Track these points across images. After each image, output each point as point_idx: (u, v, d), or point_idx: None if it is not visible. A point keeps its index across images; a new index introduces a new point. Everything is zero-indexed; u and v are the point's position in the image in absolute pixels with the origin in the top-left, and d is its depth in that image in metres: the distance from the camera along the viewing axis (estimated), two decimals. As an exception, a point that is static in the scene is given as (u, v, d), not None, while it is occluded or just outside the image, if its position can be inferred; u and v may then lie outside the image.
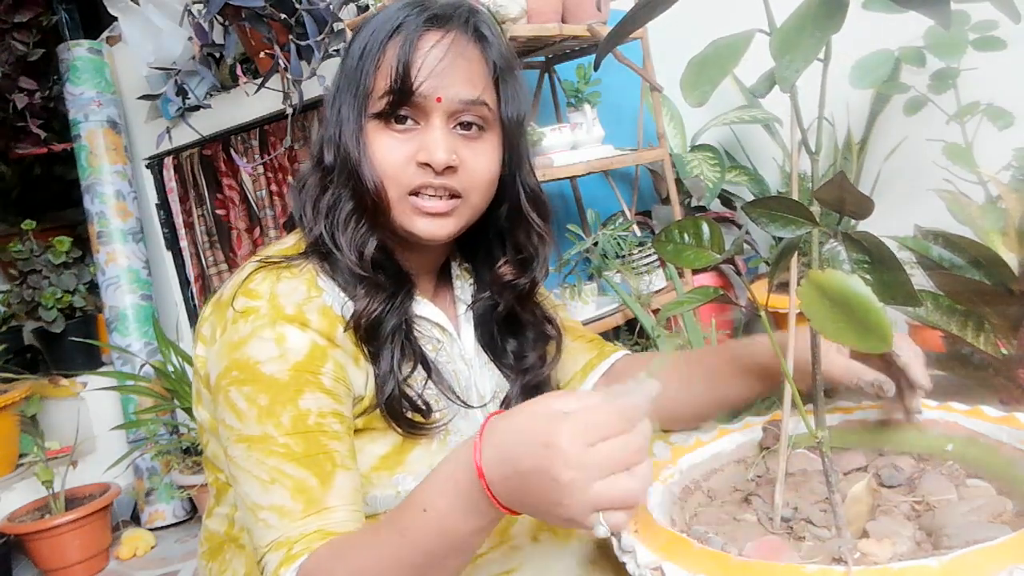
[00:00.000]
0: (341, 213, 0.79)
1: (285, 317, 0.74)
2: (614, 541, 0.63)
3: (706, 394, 0.91)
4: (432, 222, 0.80)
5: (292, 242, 0.84)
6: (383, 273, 0.80)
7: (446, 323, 0.87)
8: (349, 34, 1.42)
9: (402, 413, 0.79)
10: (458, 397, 0.84)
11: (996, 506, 0.60)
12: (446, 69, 0.77)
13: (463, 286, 0.93)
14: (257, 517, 0.71)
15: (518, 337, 0.93)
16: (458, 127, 0.79)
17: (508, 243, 0.89)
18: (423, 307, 0.86)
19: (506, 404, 0.91)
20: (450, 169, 0.78)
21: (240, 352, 0.73)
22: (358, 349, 0.78)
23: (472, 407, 0.87)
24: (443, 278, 0.93)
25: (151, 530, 2.39)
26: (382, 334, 0.78)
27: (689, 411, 0.91)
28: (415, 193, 0.79)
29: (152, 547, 2.30)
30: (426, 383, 0.82)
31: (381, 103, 0.77)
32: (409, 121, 0.78)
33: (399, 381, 0.78)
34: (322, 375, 0.74)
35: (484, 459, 0.58)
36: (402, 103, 0.77)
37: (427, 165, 0.77)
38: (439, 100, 0.77)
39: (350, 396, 0.77)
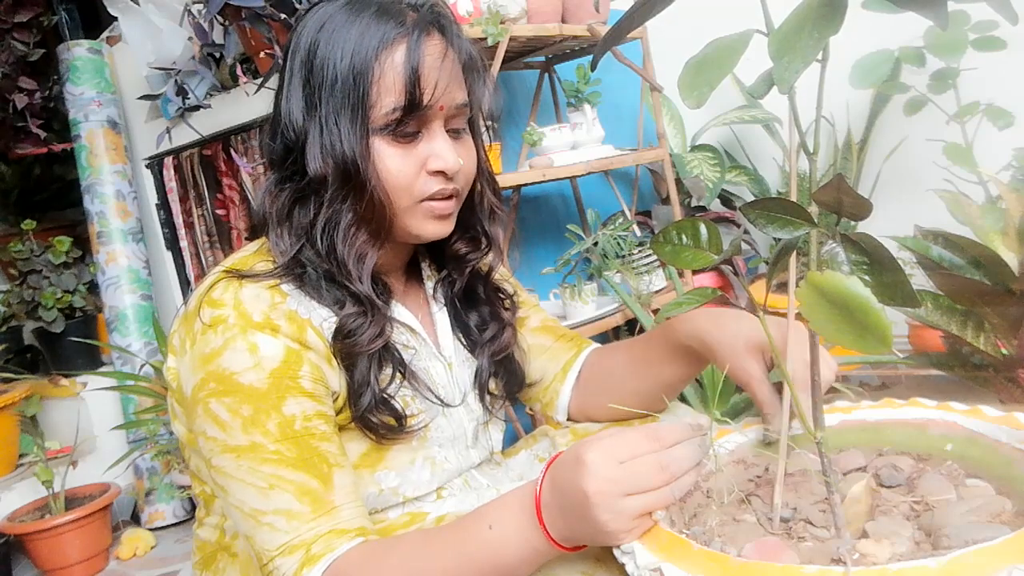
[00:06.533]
0: (338, 227, 0.78)
1: (255, 325, 0.73)
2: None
3: (648, 380, 0.93)
4: (438, 223, 0.82)
5: (254, 249, 0.83)
6: (374, 287, 0.80)
7: (416, 325, 0.88)
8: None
9: (375, 424, 0.79)
10: (436, 396, 0.85)
11: (995, 506, 0.60)
12: (448, 78, 0.78)
13: (435, 286, 0.94)
14: (260, 522, 0.71)
15: (478, 310, 0.94)
16: (450, 130, 0.81)
17: (462, 223, 0.90)
18: (395, 309, 0.86)
19: (479, 378, 0.92)
20: (457, 172, 0.80)
21: (215, 364, 0.73)
22: (329, 351, 0.78)
23: (451, 405, 0.87)
24: (412, 277, 0.94)
25: (151, 530, 2.39)
26: (364, 346, 0.78)
27: (635, 399, 0.92)
28: (425, 199, 0.80)
29: (152, 547, 2.30)
30: (401, 384, 0.82)
31: (389, 118, 0.76)
32: (413, 132, 0.79)
33: (375, 392, 0.78)
34: (300, 379, 0.74)
35: (543, 485, 0.65)
36: (413, 117, 0.77)
37: (440, 172, 0.79)
38: (442, 108, 0.78)
39: (330, 394, 0.77)
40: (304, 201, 0.79)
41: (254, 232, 0.86)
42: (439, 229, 0.82)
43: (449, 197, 0.81)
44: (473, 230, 0.90)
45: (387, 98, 0.75)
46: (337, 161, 0.76)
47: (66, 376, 2.53)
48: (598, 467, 0.60)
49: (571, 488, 0.61)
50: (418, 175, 0.79)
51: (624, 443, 0.61)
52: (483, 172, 0.89)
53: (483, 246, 0.91)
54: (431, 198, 0.80)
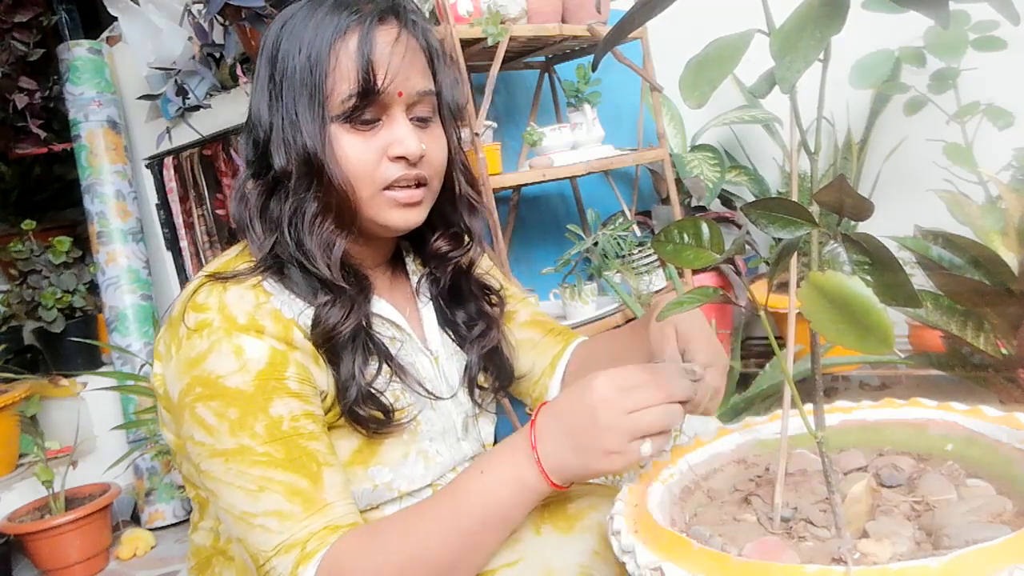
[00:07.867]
0: (304, 218, 0.78)
1: (239, 327, 0.73)
2: (614, 541, 0.63)
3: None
4: (405, 212, 0.82)
5: (235, 252, 0.83)
6: (345, 276, 0.80)
7: (401, 321, 0.88)
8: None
9: (364, 417, 0.79)
10: (425, 390, 0.85)
11: (996, 506, 0.60)
12: (402, 63, 0.78)
13: (419, 281, 0.94)
14: (252, 524, 0.71)
15: (465, 307, 0.95)
16: (414, 118, 0.81)
17: (444, 220, 0.91)
18: (377, 304, 0.86)
19: (468, 372, 0.93)
20: (420, 159, 0.80)
21: (200, 368, 0.73)
22: (316, 350, 0.78)
23: (441, 398, 0.88)
24: (397, 272, 0.94)
25: (151, 530, 2.39)
26: (344, 339, 0.78)
27: None
28: (389, 187, 0.80)
29: (152, 547, 2.30)
30: (391, 378, 0.82)
31: (345, 105, 0.77)
32: (372, 119, 0.79)
33: (361, 387, 0.78)
34: (287, 379, 0.74)
35: (538, 424, 0.70)
36: (369, 103, 0.77)
37: (402, 158, 0.79)
38: (401, 94, 0.79)
39: (317, 394, 0.77)
40: (274, 195, 0.81)
41: (231, 236, 0.86)
42: (406, 218, 0.82)
43: (418, 186, 0.81)
44: (455, 226, 0.91)
45: (342, 85, 0.77)
46: (298, 151, 0.77)
47: (66, 376, 2.54)
48: (603, 387, 0.66)
49: (575, 407, 0.67)
50: (379, 162, 0.79)
51: (626, 373, 0.67)
52: (457, 164, 0.89)
53: (465, 243, 0.91)
54: (394, 186, 0.80)
